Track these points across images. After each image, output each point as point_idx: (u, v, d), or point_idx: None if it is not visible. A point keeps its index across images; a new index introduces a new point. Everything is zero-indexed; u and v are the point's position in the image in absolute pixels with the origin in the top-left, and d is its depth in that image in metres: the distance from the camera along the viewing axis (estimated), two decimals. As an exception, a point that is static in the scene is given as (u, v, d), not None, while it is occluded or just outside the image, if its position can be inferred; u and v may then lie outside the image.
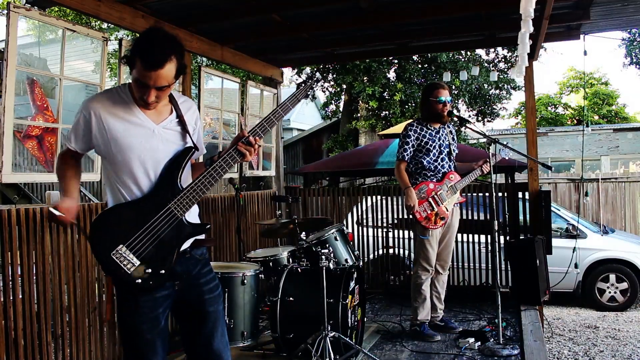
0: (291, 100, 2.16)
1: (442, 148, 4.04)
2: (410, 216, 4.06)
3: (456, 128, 12.98)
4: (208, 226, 2.16)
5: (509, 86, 13.94)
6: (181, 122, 2.11)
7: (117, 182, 2.04)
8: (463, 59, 12.66)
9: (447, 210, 4.02)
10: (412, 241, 5.81)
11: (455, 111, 4.17)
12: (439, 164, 4.02)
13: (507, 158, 4.38)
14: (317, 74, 2.56)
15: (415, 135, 4.02)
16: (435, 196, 3.98)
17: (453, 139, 4.15)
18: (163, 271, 2.00)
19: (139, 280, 1.96)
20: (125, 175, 2.03)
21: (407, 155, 4.03)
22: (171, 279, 2.05)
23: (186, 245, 2.08)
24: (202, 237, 2.13)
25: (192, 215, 2.12)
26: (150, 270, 1.97)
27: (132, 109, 2.03)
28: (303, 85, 2.35)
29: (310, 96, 2.56)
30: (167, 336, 2.14)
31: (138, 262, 1.96)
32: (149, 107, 2.03)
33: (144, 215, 1.98)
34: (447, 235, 4.14)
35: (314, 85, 2.33)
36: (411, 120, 4.19)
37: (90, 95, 2.18)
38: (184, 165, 2.08)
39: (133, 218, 1.98)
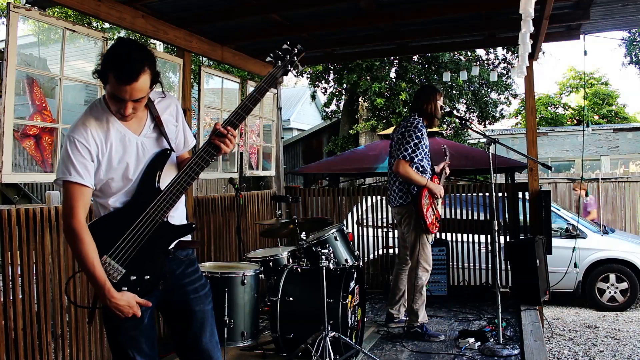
0: (268, 81, 2.07)
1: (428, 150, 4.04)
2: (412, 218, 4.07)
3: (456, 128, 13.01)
4: (193, 226, 2.13)
5: (508, 92, 13.96)
6: (157, 125, 2.07)
7: (106, 202, 2.00)
8: (464, 59, 12.67)
9: (440, 213, 4.05)
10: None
11: (455, 112, 4.16)
12: (430, 166, 4.02)
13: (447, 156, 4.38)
14: (299, 45, 2.40)
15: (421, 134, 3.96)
16: (433, 202, 4.00)
17: None
18: (148, 276, 1.98)
19: (125, 288, 1.94)
20: (116, 195, 1.99)
21: (416, 155, 3.85)
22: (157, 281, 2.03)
23: (171, 246, 2.06)
24: (188, 238, 2.11)
25: (179, 217, 2.09)
26: (135, 277, 1.96)
27: (115, 125, 1.98)
28: (280, 61, 2.13)
29: (297, 73, 2.35)
30: (154, 335, 2.13)
31: (124, 270, 1.93)
32: (126, 120, 1.99)
33: (125, 223, 1.95)
34: None
35: (294, 60, 2.14)
36: (417, 117, 3.98)
37: (90, 95, 2.14)
38: (161, 168, 2.05)
39: (115, 228, 1.95)
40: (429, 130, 4.08)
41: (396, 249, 6.00)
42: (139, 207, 1.96)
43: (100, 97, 2.04)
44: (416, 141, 3.84)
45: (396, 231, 5.95)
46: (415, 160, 3.85)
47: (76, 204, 1.89)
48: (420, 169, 3.91)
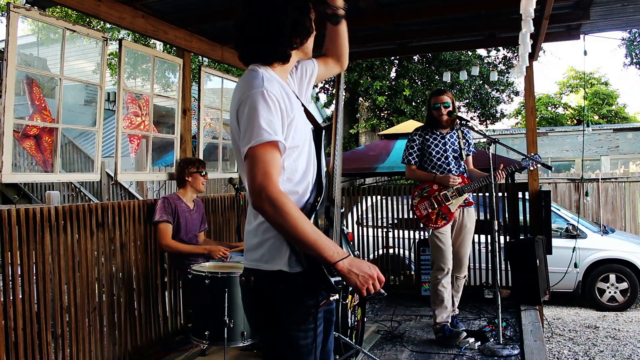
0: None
1: (447, 153, 4.03)
2: (415, 216, 4.09)
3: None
4: None
5: (509, 90, 13.97)
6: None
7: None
8: (465, 58, 12.68)
9: (451, 211, 4.01)
10: (411, 241, 5.88)
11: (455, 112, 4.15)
12: (444, 168, 4.01)
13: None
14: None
15: (421, 139, 4.07)
16: (438, 196, 3.98)
17: (466, 143, 4.12)
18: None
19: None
20: (301, 169, 1.69)
21: (413, 158, 4.07)
22: None
23: None
24: None
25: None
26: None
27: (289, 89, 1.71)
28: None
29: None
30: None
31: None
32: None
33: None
34: (460, 237, 4.12)
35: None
36: (418, 126, 4.25)
37: (90, 95, 2.04)
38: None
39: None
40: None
41: (405, 251, 6.02)
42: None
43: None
44: (410, 150, 4.10)
45: (396, 231, 5.97)
46: (406, 162, 4.10)
47: (274, 169, 1.55)
48: (430, 167, 4.05)
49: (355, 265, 1.53)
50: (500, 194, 5.45)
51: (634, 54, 16.22)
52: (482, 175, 4.05)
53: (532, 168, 4.34)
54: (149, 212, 4.05)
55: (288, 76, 1.79)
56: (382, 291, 1.57)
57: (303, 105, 1.76)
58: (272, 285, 1.63)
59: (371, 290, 1.55)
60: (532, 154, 4.20)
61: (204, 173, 4.14)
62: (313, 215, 1.64)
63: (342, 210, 1.92)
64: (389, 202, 5.92)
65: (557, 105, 25.50)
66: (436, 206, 3.98)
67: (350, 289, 1.59)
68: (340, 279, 1.58)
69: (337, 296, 1.72)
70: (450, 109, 3.99)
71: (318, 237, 1.52)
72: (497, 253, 3.94)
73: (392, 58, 12.52)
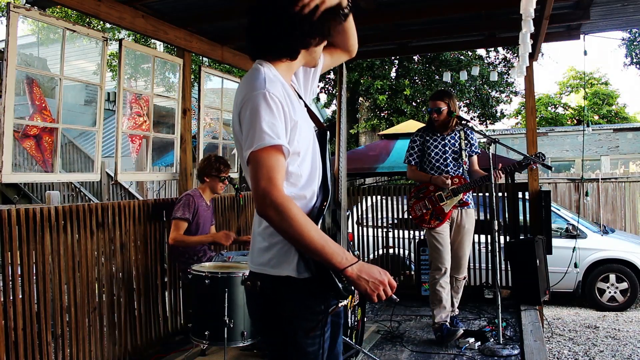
0: None
1: (446, 154, 4.03)
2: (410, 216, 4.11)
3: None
4: None
5: (509, 91, 13.99)
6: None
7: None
8: (465, 58, 12.70)
9: (445, 211, 4.00)
10: (411, 241, 5.88)
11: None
12: (442, 169, 4.02)
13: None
14: None
15: (422, 140, 4.10)
16: (433, 197, 3.99)
17: (468, 144, 4.11)
18: None
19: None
20: (307, 173, 1.65)
21: (414, 159, 4.11)
22: None
23: None
24: None
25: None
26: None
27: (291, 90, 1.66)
28: None
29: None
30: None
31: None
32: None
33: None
34: (459, 238, 4.11)
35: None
36: (420, 127, 4.29)
37: (90, 95, 2.02)
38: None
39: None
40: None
41: (405, 251, 6.02)
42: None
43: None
44: (411, 151, 4.15)
45: (396, 231, 5.97)
46: (407, 162, 4.16)
47: (278, 174, 1.49)
48: (428, 168, 4.08)
49: (364, 271, 1.47)
50: (500, 194, 5.45)
51: (634, 54, 16.23)
52: (481, 175, 4.05)
53: (534, 167, 4.34)
54: (149, 212, 4.05)
55: (293, 77, 1.74)
56: (394, 297, 1.52)
57: (306, 105, 1.72)
58: (279, 291, 1.59)
59: (382, 296, 1.48)
60: (537, 152, 4.12)
61: (223, 179, 4.11)
62: (320, 220, 1.60)
63: (348, 212, 1.87)
64: (389, 202, 5.92)
65: (557, 105, 25.50)
66: (430, 207, 4.00)
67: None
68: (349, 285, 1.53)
69: (345, 302, 1.70)
70: (446, 110, 3.98)
71: (325, 242, 1.47)
72: (497, 253, 3.94)
73: (393, 58, 12.53)
